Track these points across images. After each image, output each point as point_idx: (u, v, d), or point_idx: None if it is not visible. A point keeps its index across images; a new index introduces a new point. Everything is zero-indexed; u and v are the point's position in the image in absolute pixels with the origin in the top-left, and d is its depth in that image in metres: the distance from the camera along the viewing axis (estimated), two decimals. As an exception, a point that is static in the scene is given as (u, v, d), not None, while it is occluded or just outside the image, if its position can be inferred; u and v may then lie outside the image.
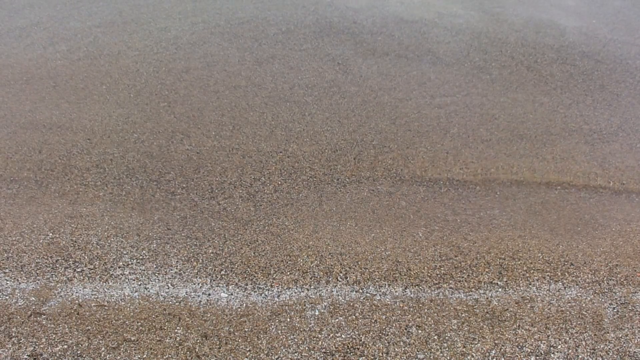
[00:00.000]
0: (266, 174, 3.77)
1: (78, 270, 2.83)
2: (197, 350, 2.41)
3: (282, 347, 2.45)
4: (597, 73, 5.85)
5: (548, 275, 3.03)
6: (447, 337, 2.56)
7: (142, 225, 3.20)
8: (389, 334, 2.56)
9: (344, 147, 4.16)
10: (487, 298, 2.82)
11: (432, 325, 2.62)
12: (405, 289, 2.85)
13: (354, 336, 2.53)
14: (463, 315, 2.70)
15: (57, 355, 2.33)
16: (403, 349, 2.48)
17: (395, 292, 2.82)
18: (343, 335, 2.53)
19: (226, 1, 7.39)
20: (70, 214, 3.25)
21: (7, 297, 2.62)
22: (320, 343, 2.48)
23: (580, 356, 2.52)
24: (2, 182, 3.50)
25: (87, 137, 4.07)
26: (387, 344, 2.50)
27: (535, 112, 4.91)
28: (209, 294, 2.73)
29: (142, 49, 5.64)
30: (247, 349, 2.43)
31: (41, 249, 2.95)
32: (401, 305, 2.74)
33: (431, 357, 2.45)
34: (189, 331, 2.50)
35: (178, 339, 2.46)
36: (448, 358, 2.46)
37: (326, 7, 7.31)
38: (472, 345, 2.52)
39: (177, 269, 2.88)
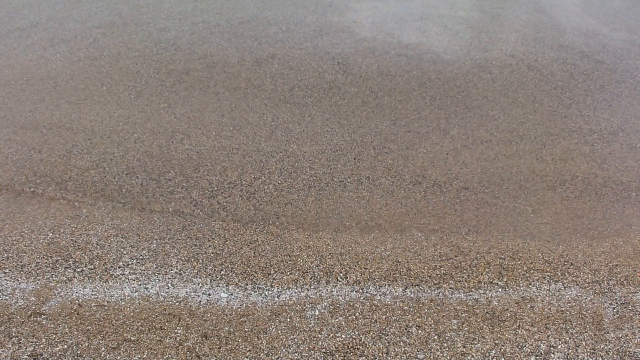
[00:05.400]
0: (266, 174, 3.77)
1: (78, 270, 2.83)
2: (197, 350, 2.41)
3: (282, 347, 2.45)
4: (597, 73, 5.85)
5: (548, 275, 3.03)
6: (447, 337, 2.56)
7: (142, 225, 3.20)
8: (389, 334, 2.55)
9: (344, 148, 4.16)
10: (487, 298, 2.82)
11: (432, 325, 2.62)
12: (405, 289, 2.85)
13: (354, 336, 2.53)
14: (463, 315, 2.70)
15: (57, 355, 2.33)
16: (403, 349, 2.48)
17: (395, 292, 2.82)
18: (343, 335, 2.53)
19: (226, 1, 7.40)
20: (70, 214, 3.25)
21: (7, 297, 2.62)
22: (320, 343, 2.48)
23: (580, 356, 2.52)
24: (2, 183, 3.50)
25: (87, 137, 4.07)
26: (387, 344, 2.50)
27: (535, 112, 4.91)
28: (209, 294, 2.73)
29: (142, 50, 5.65)
30: (247, 349, 2.43)
31: (41, 249, 2.95)
32: (401, 305, 2.73)
33: (431, 357, 2.45)
34: (189, 331, 2.50)
35: (178, 339, 2.46)
36: (448, 358, 2.46)
37: (326, 6, 7.32)
38: (472, 345, 2.52)
39: (177, 269, 2.88)
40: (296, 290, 2.79)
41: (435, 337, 2.55)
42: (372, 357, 2.43)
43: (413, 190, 3.73)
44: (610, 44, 6.71)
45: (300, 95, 4.90)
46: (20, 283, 2.71)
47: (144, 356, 2.36)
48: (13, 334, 2.41)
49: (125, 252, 2.98)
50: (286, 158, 3.96)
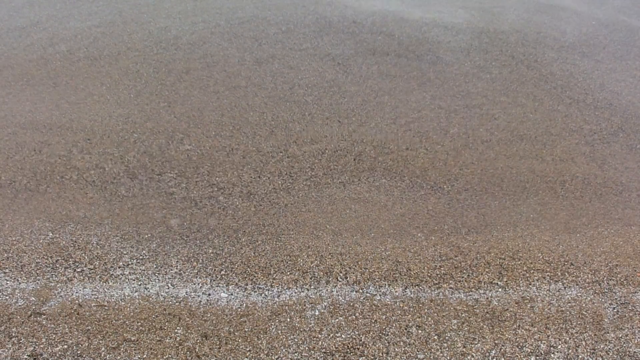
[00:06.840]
0: (266, 174, 3.77)
1: (78, 270, 2.83)
2: (197, 350, 2.41)
3: (282, 347, 2.45)
4: (597, 73, 5.85)
5: (548, 275, 3.03)
6: (447, 337, 2.56)
7: (142, 225, 3.20)
8: (389, 334, 2.55)
9: (344, 147, 4.15)
10: (487, 298, 2.82)
11: (432, 325, 2.62)
12: (405, 289, 2.85)
13: (354, 336, 2.53)
14: (463, 315, 2.70)
15: (57, 355, 2.33)
16: (403, 349, 2.48)
17: (395, 292, 2.82)
18: (343, 335, 2.53)
19: (226, 1, 7.39)
20: (70, 214, 3.25)
21: (7, 297, 2.62)
22: (320, 343, 2.48)
23: (580, 356, 2.52)
24: (2, 182, 3.50)
25: (87, 137, 4.07)
26: (387, 344, 2.50)
27: (535, 112, 4.90)
28: (209, 294, 2.73)
29: (142, 49, 5.64)
30: (247, 349, 2.43)
31: (41, 249, 2.95)
32: (401, 305, 2.74)
33: (431, 357, 2.45)
34: (189, 331, 2.50)
35: (178, 339, 2.46)
36: (448, 358, 2.46)
37: (326, 7, 7.31)
38: (472, 345, 2.52)
39: (177, 269, 2.88)
40: (296, 290, 2.79)
41: (435, 337, 2.55)
42: (372, 357, 2.43)
43: (413, 191, 3.73)
44: (610, 44, 6.71)
45: (300, 93, 4.90)
46: (20, 283, 2.71)
47: (144, 356, 2.36)
48: (13, 334, 2.41)
49: (125, 252, 2.98)
50: (286, 158, 3.96)
